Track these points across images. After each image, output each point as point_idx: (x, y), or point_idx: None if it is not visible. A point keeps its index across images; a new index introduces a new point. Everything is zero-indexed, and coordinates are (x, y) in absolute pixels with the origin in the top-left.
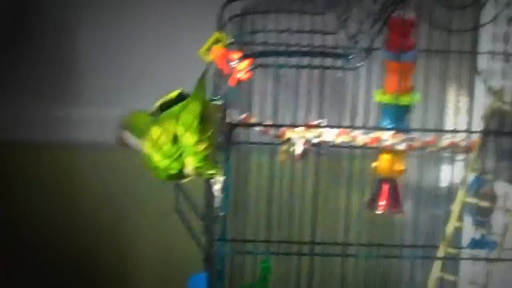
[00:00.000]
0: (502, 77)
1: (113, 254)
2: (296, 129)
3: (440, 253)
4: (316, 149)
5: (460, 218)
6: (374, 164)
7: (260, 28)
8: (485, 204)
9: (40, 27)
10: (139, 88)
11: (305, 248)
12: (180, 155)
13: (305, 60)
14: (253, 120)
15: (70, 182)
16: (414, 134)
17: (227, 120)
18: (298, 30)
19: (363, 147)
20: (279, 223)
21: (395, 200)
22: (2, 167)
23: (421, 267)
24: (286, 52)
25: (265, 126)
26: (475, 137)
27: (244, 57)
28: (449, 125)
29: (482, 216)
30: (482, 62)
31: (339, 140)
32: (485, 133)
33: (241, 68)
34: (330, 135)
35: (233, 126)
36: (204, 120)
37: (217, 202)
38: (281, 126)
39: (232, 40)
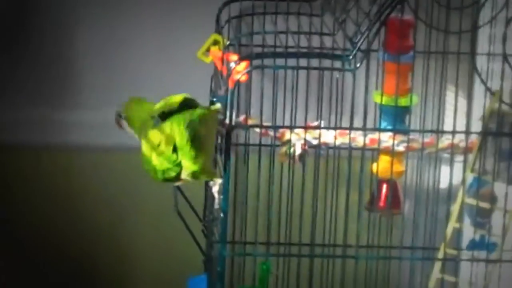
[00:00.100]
0: (500, 78)
1: (113, 255)
2: (295, 131)
3: (440, 254)
4: (315, 150)
5: (460, 219)
6: (373, 165)
7: (258, 29)
8: (484, 205)
9: (38, 27)
10: (138, 88)
11: (305, 249)
12: (179, 162)
13: (303, 62)
14: (252, 121)
15: (69, 184)
16: (413, 135)
17: (226, 122)
18: (296, 31)
19: (362, 148)
20: (279, 224)
21: (394, 201)
22: (1, 169)
23: (421, 268)
24: (284, 54)
25: (264, 127)
26: (474, 138)
27: (242, 58)
28: (448, 126)
29: (481, 217)
30: (480, 63)
31: (338, 142)
32: (484, 134)
33: (239, 69)
34: (329, 137)
35: (232, 127)
36: (204, 135)
37: (216, 203)
38: (280, 127)
39: (230, 42)
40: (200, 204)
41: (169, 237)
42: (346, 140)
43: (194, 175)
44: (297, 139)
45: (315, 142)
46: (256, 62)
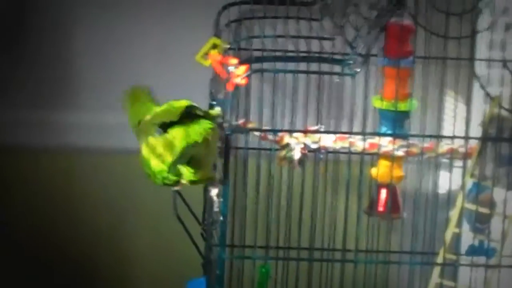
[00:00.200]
0: (500, 84)
1: (112, 257)
2: (294, 135)
3: (439, 259)
4: (314, 154)
5: (459, 224)
6: (373, 170)
7: (257, 33)
8: (483, 210)
9: (36, 27)
10: None
11: (304, 253)
12: (179, 170)
13: (303, 66)
14: (251, 125)
15: (69, 186)
16: (412, 140)
17: (225, 125)
18: (295, 35)
19: (362, 153)
20: (278, 228)
21: (394, 206)
22: (0, 171)
23: (420, 273)
24: (283, 58)
25: (263, 131)
26: (474, 143)
27: (241, 62)
28: (447, 131)
29: (480, 223)
30: (480, 68)
31: (337, 146)
32: (484, 139)
33: (238, 73)
34: (329, 141)
35: (231, 131)
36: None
37: (215, 207)
38: (279, 131)
39: (229, 45)
40: (199, 207)
41: (168, 240)
42: (346, 145)
43: (194, 182)
44: (296, 143)
45: (314, 146)
46: (256, 66)
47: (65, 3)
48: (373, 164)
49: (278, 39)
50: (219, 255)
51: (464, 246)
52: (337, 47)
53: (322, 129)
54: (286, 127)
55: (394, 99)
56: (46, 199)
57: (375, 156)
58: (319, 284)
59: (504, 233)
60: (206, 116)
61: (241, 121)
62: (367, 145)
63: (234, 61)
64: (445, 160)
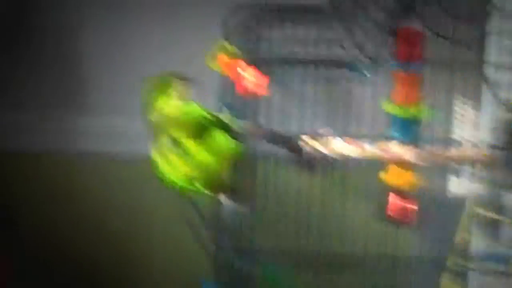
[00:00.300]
0: (510, 89)
1: (122, 262)
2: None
3: (449, 264)
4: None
5: (469, 230)
6: (383, 175)
7: (265, 37)
8: (494, 216)
9: (39, 27)
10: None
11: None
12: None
13: (311, 69)
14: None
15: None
16: (423, 145)
17: (236, 129)
18: (304, 39)
19: (372, 158)
20: (287, 233)
21: (404, 211)
22: (3, 175)
23: (430, 278)
24: (293, 61)
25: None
26: (485, 149)
27: (250, 65)
28: (457, 136)
29: (491, 228)
30: (489, 73)
31: (347, 151)
32: (495, 145)
33: (247, 76)
34: (339, 145)
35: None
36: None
37: (226, 212)
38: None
39: (238, 49)
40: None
41: (178, 245)
42: (356, 150)
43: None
44: (306, 147)
45: (324, 150)
46: (264, 68)
47: (69, 4)
48: (383, 169)
49: (286, 43)
50: (230, 260)
51: (474, 252)
52: (346, 50)
53: (332, 134)
54: (296, 131)
55: (405, 104)
56: (50, 202)
57: (385, 161)
58: None
59: None
60: (228, 130)
61: (250, 125)
62: (377, 150)
63: (243, 64)
64: (456, 165)
